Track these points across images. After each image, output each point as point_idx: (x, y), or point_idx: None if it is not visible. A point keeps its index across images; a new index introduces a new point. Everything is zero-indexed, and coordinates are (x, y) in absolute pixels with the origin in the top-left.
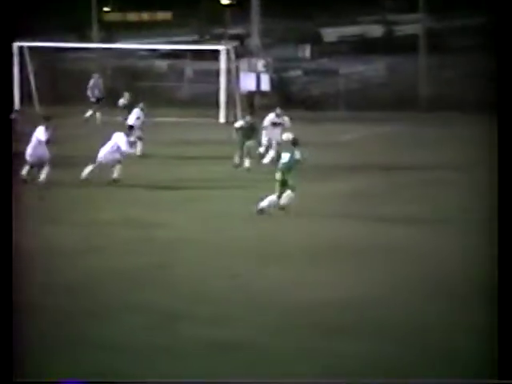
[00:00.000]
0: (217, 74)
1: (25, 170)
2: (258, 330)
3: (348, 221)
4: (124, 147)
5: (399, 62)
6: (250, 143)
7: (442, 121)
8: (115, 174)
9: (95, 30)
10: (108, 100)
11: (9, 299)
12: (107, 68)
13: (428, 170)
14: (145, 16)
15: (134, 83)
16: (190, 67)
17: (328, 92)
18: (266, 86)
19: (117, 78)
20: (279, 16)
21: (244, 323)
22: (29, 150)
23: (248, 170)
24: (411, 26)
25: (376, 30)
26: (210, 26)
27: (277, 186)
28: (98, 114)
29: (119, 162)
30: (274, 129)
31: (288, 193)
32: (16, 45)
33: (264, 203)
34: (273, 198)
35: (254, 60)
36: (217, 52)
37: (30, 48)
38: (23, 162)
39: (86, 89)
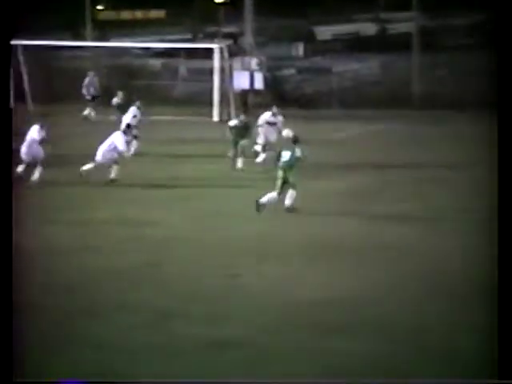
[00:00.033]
0: (210, 72)
1: (21, 168)
2: (252, 329)
3: (342, 219)
4: (121, 147)
5: (393, 60)
6: (243, 142)
7: (436, 119)
8: (112, 175)
9: (89, 29)
10: (102, 99)
11: (9, 299)
12: (101, 66)
13: (421, 167)
14: (138, 14)
15: (128, 82)
16: (183, 66)
17: (322, 90)
18: (259, 84)
19: (110, 76)
20: (273, 14)
21: (239, 322)
22: (23, 149)
23: (242, 170)
24: (405, 24)
25: (370, 29)
26: (204, 25)
27: (278, 183)
28: (92, 113)
29: (116, 162)
30: (269, 128)
31: (291, 192)
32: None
33: (264, 199)
34: (273, 194)
35: (247, 58)
36: (210, 50)
37: (23, 46)
38: (18, 160)
39: (80, 87)
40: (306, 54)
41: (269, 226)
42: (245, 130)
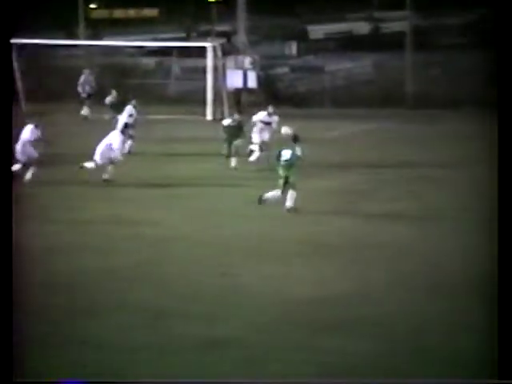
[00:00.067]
0: (204, 71)
1: (17, 167)
2: (252, 328)
3: (335, 218)
4: (116, 146)
5: (386, 59)
6: (237, 142)
7: (429, 118)
8: (107, 175)
9: (82, 28)
10: (96, 97)
11: (9, 299)
12: (94, 65)
13: (414, 166)
14: (132, 13)
15: (122, 81)
16: (176, 64)
17: (315, 89)
18: (252, 83)
19: (104, 75)
20: (266, 13)
21: (238, 321)
22: (18, 149)
23: (235, 168)
24: (398, 23)
25: (363, 28)
26: (197, 24)
27: (280, 182)
28: (88, 112)
29: (112, 162)
30: (264, 127)
31: (291, 193)
32: None
33: (268, 195)
34: (278, 192)
35: (240, 57)
36: (204, 49)
37: (16, 45)
38: (14, 160)
39: (74, 85)
40: (299, 53)
41: (264, 224)
42: (238, 130)
